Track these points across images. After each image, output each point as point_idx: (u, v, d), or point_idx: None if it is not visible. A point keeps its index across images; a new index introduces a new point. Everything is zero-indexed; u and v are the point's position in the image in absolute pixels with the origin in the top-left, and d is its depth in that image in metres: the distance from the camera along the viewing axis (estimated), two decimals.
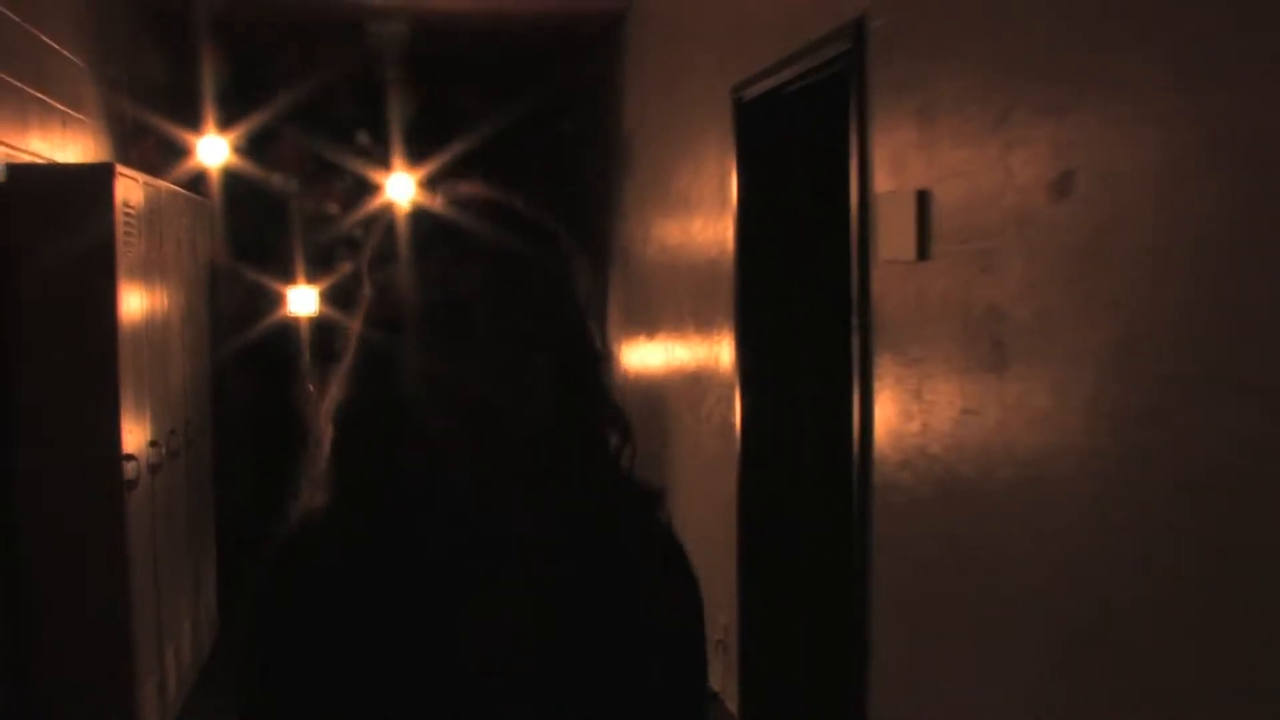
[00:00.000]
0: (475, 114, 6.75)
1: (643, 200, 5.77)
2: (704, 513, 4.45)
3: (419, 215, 1.14)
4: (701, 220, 4.64)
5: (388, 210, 1.19)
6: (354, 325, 1.14)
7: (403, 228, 1.13)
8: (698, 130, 4.64)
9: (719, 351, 4.41)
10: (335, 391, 1.14)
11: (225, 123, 6.13)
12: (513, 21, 6.27)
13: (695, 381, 4.79)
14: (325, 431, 1.14)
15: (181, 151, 5.87)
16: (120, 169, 3.65)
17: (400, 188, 6.53)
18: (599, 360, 1.17)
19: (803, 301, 3.92)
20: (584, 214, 6.70)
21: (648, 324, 5.64)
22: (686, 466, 4.85)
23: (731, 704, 4.22)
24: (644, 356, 5.67)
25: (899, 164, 2.87)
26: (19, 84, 3.68)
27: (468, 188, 1.15)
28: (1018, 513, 2.35)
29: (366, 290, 1.14)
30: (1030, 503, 2.30)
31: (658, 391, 5.35)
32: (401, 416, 1.08)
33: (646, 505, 1.20)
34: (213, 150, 6.02)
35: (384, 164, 6.72)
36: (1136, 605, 1.97)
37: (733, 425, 4.17)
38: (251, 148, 6.32)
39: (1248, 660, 1.72)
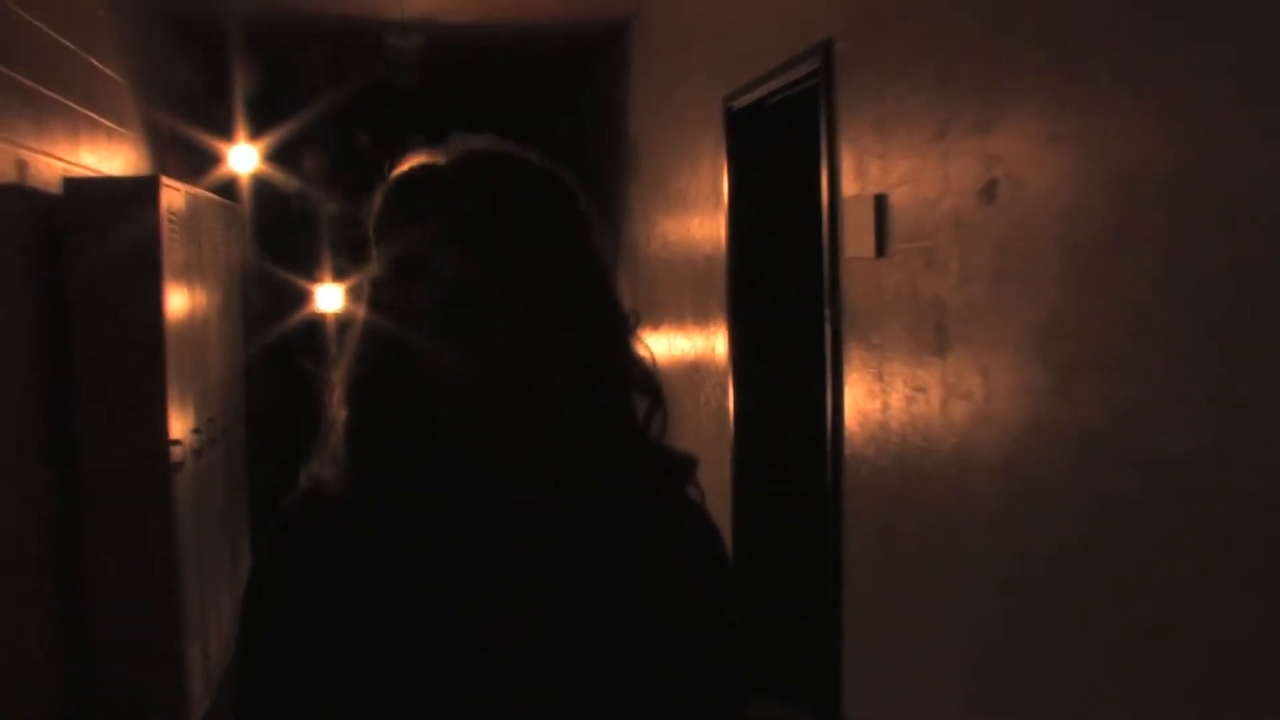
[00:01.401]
0: (490, 119, 7.11)
1: (647, 200, 6.12)
2: (703, 487, 4.80)
3: (424, 176, 1.06)
4: (698, 220, 4.99)
5: (394, 177, 1.08)
6: (362, 296, 1.08)
7: (410, 191, 1.06)
8: (694, 136, 4.98)
9: (715, 342, 4.75)
10: (346, 370, 1.08)
11: (254, 132, 6.52)
12: (522, 31, 6.63)
13: (695, 369, 5.15)
14: (338, 411, 1.08)
15: (213, 159, 6.26)
16: (165, 180, 4.02)
17: None
18: (624, 320, 1.11)
19: (789, 294, 4.27)
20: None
21: (652, 316, 5.99)
22: (687, 447, 5.19)
23: None
24: (649, 347, 6.02)
25: (861, 171, 3.22)
26: (73, 104, 4.06)
27: (479, 141, 1.07)
28: (954, 476, 2.70)
29: (373, 262, 1.08)
30: (963, 467, 2.65)
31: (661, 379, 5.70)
32: (415, 393, 1.03)
33: (676, 478, 1.15)
34: (242, 158, 6.40)
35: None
36: (1043, 550, 2.32)
37: (727, 409, 4.52)
38: (278, 155, 6.71)
39: (1127, 589, 2.06)
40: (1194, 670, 1.88)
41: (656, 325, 5.87)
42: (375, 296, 1.06)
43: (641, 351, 1.13)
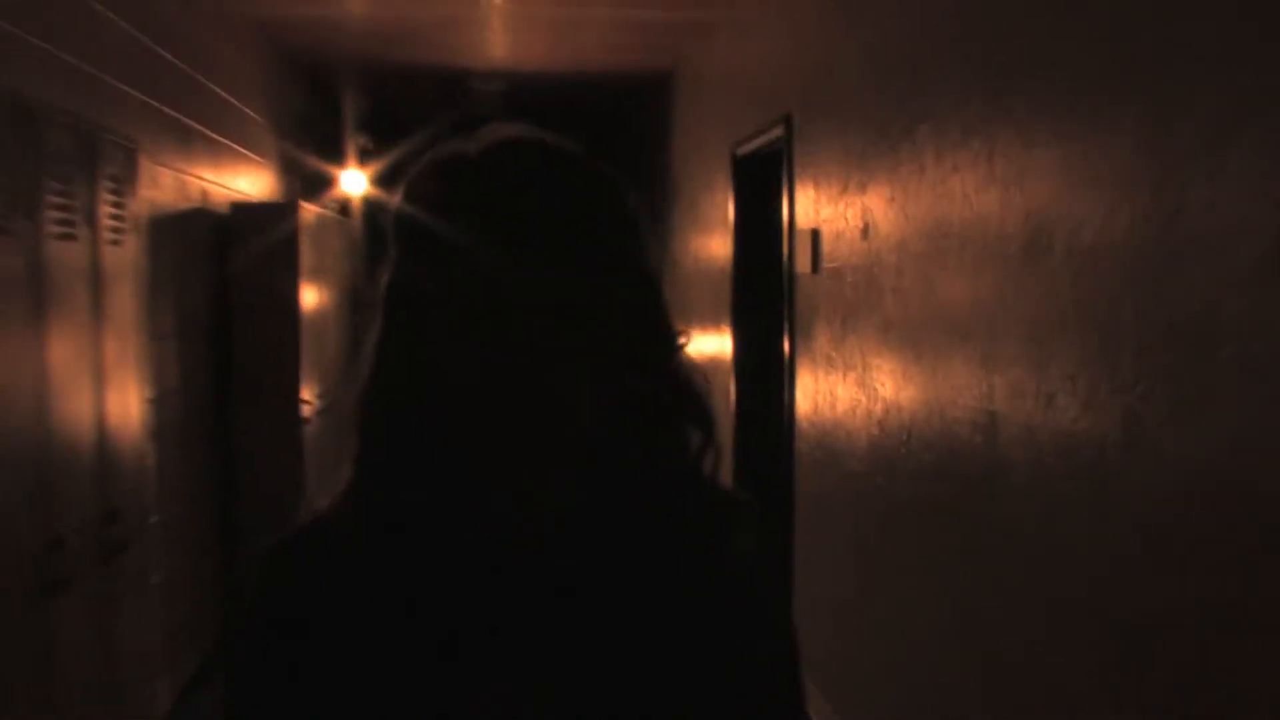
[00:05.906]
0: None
1: (684, 222, 7.35)
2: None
3: (451, 167, 0.94)
4: (716, 241, 6.21)
5: (419, 168, 0.97)
6: (380, 295, 0.97)
7: (436, 182, 0.94)
8: (713, 172, 6.21)
9: (724, 340, 5.97)
10: (360, 391, 0.97)
11: (362, 158, 7.88)
12: (585, 78, 7.91)
13: (711, 363, 6.36)
14: (353, 423, 0.98)
15: (328, 181, 7.62)
16: (302, 204, 5.34)
17: None
18: (673, 339, 0.98)
19: (773, 302, 5.46)
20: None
21: (684, 320, 7.23)
22: None
23: None
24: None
25: (806, 211, 4.42)
26: (237, 147, 5.41)
27: (510, 129, 0.96)
28: (847, 423, 3.90)
29: (393, 255, 0.96)
30: (851, 417, 3.85)
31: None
32: (435, 408, 0.92)
33: (731, 524, 0.99)
34: (352, 180, 7.77)
35: None
36: (887, 466, 3.51)
37: (730, 392, 5.73)
38: (383, 178, 8.07)
39: (923, 484, 3.25)
40: (966, 533, 3.08)
41: (687, 327, 7.10)
42: (392, 302, 0.96)
43: (693, 377, 1.00)
